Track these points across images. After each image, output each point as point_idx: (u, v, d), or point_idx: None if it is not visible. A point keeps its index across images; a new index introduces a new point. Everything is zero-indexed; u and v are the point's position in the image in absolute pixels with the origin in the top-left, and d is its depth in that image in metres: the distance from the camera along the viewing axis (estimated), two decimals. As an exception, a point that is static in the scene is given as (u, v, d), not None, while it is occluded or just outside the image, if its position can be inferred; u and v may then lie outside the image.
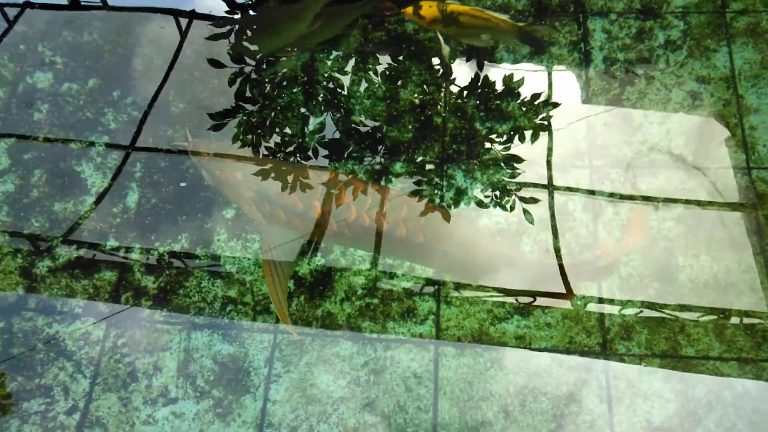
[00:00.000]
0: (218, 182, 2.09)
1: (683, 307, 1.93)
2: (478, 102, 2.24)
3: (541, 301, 1.96)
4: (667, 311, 1.93)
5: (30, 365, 1.90)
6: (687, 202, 2.06)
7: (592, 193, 2.09)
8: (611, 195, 2.09)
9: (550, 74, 2.28)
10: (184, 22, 2.42)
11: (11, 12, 2.41)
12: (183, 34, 2.41)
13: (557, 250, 2.01)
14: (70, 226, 2.05)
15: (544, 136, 2.18)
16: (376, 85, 2.28)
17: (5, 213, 2.03)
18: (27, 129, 2.14)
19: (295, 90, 2.28)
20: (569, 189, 2.10)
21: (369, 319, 1.97)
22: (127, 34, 2.35)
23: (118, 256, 2.03)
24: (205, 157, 2.11)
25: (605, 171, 2.12)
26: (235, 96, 2.27)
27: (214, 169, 2.09)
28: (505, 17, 2.27)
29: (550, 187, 2.10)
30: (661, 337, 1.90)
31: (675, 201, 2.07)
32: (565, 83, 2.27)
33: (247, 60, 2.33)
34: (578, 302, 1.95)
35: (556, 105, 2.22)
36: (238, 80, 2.30)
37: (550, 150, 2.16)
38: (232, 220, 2.10)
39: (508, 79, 2.26)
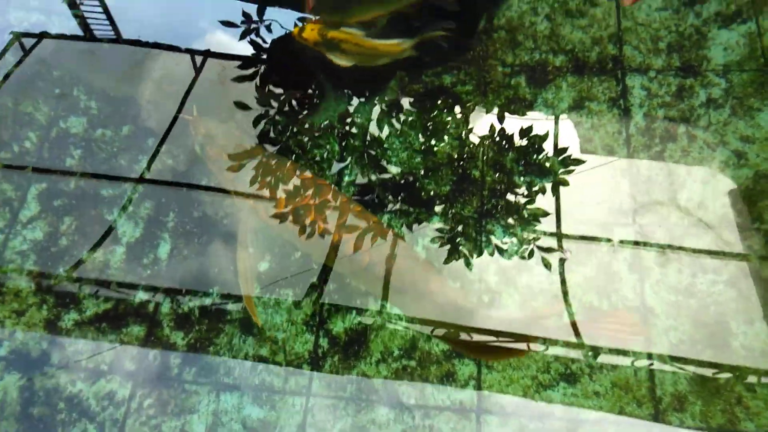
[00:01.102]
0: (207, 157, 2.14)
1: (738, 377, 1.84)
2: (516, 156, 2.21)
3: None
4: (721, 381, 1.85)
5: (51, 427, 1.81)
6: (738, 257, 2.00)
7: (637, 247, 2.03)
8: (660, 248, 2.03)
9: (589, 129, 2.25)
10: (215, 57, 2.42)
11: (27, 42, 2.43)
12: (197, 71, 2.41)
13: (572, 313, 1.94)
14: (99, 277, 1.99)
15: (584, 192, 2.14)
16: (413, 137, 2.25)
17: (32, 262, 1.97)
18: (58, 175, 2.10)
19: (330, 139, 2.25)
20: (610, 242, 2.04)
21: (406, 383, 1.88)
22: (165, 79, 2.33)
23: (148, 310, 1.97)
24: (202, 132, 2.14)
25: (650, 229, 2.06)
26: (259, 138, 2.24)
27: (207, 144, 2.13)
28: (393, 42, 2.21)
29: (561, 243, 2.05)
30: (717, 410, 1.80)
31: (723, 257, 2.01)
32: (604, 139, 2.23)
33: (273, 103, 2.32)
34: (628, 369, 1.86)
35: (595, 160, 2.19)
36: (265, 124, 2.28)
37: (591, 206, 2.11)
38: (265, 275, 2.04)
39: (546, 134, 2.24)
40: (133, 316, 1.94)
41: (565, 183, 2.12)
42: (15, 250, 1.97)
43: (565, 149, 2.23)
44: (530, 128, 2.22)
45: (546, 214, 2.07)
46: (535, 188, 2.13)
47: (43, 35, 2.38)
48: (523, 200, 2.12)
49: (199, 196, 2.13)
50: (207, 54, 2.40)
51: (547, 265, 2.00)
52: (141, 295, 1.97)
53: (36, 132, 2.14)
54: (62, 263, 1.98)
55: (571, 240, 2.05)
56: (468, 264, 1.99)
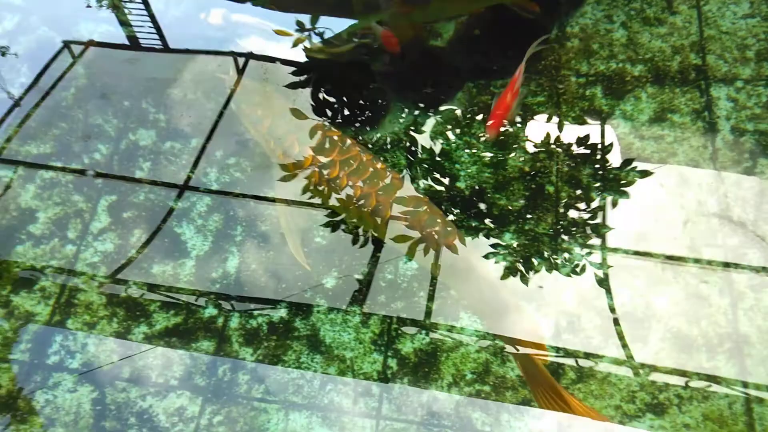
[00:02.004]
0: (241, 113, 2.25)
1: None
2: (593, 171, 2.11)
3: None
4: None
5: (123, 441, 1.80)
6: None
7: (727, 269, 1.91)
8: (754, 270, 1.90)
9: (672, 142, 2.14)
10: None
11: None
12: (240, 72, 2.39)
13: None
14: (168, 290, 1.98)
15: (668, 210, 2.03)
16: (482, 150, 2.19)
17: (103, 274, 1.98)
18: (128, 187, 2.11)
19: (397, 153, 2.20)
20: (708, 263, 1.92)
21: (480, 409, 1.81)
22: (237, 96, 2.33)
23: (217, 325, 1.95)
24: (237, 90, 2.25)
25: (741, 251, 1.94)
26: (316, 152, 2.21)
27: (242, 102, 2.24)
28: None
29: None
30: (821, 449, 1.67)
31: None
32: (689, 153, 2.12)
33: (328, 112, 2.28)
34: (722, 401, 1.74)
35: (676, 175, 2.07)
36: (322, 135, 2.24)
37: (675, 226, 2.00)
38: (333, 290, 2.00)
39: (611, 145, 2.14)
40: (202, 330, 1.93)
41: (627, 195, 2.02)
42: (86, 262, 1.98)
43: (630, 161, 2.13)
44: (608, 143, 2.13)
45: (626, 233, 1.98)
46: (612, 206, 2.04)
47: (90, 43, 2.41)
48: (597, 218, 2.03)
49: (266, 209, 2.11)
50: (249, 56, 2.39)
51: (628, 288, 1.90)
52: (210, 310, 1.95)
53: (106, 144, 2.16)
54: (132, 276, 1.99)
55: (655, 260, 1.94)
56: (531, 282, 1.91)
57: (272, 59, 2.42)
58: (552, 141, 2.17)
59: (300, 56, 2.43)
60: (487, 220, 2.06)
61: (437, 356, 1.90)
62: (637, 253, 1.97)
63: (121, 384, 1.86)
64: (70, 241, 2.00)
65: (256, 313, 1.97)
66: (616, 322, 1.89)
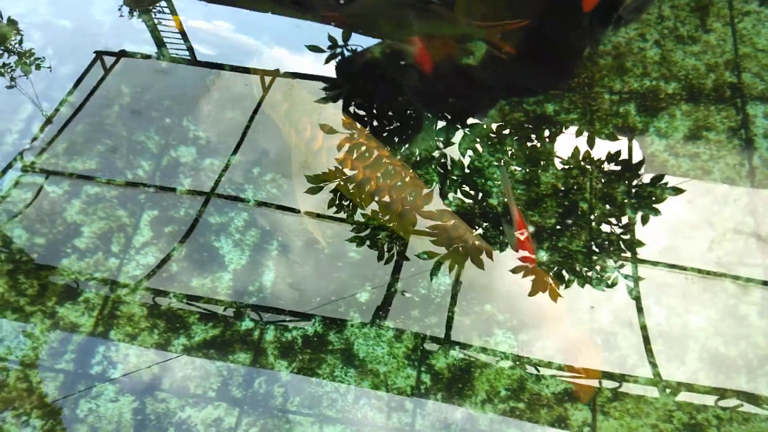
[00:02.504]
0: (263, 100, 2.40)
1: None
2: (627, 188, 2.11)
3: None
4: None
5: (163, 451, 1.84)
6: None
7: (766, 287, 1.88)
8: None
9: (708, 160, 2.13)
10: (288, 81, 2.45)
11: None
12: (265, 90, 2.45)
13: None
14: (206, 303, 2.03)
15: (704, 230, 2.01)
16: (514, 167, 2.20)
17: (144, 287, 2.04)
18: (170, 203, 2.17)
19: (430, 169, 2.23)
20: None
21: (515, 427, 1.80)
22: (268, 111, 2.39)
23: (253, 337, 1.99)
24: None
25: (780, 271, 1.91)
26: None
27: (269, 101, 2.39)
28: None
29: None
30: None
31: None
32: (725, 171, 2.11)
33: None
34: (763, 424, 1.71)
35: (713, 192, 2.06)
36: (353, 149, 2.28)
37: (712, 243, 1.98)
38: (367, 304, 2.02)
39: (660, 165, 2.13)
40: (239, 342, 1.97)
41: (657, 212, 2.01)
42: (128, 275, 2.04)
43: (661, 177, 2.13)
44: (641, 160, 2.13)
45: (661, 250, 1.97)
46: (642, 222, 2.03)
47: (121, 54, 2.50)
48: (629, 235, 2.03)
49: (301, 224, 2.15)
50: (275, 74, 2.45)
51: (664, 306, 1.89)
52: (247, 323, 1.99)
53: (148, 161, 2.23)
54: (172, 288, 2.04)
55: (691, 277, 1.92)
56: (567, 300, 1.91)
57: (300, 75, 2.50)
58: (585, 157, 2.18)
59: (328, 71, 2.49)
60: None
61: (471, 372, 1.91)
62: (672, 267, 1.96)
63: (161, 394, 1.91)
64: (114, 255, 2.06)
65: (291, 326, 2.01)
66: (651, 340, 1.88)
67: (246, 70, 2.50)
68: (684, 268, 1.99)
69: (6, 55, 2.52)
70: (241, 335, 1.99)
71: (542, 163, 2.16)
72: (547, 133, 2.23)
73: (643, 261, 2.00)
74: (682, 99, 2.22)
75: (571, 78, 2.27)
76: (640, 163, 2.13)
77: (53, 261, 2.06)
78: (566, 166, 2.15)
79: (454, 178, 2.19)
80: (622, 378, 1.84)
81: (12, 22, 2.67)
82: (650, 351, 1.86)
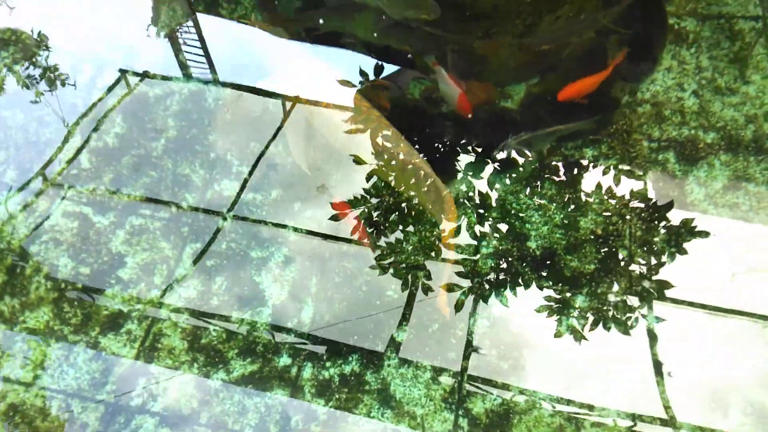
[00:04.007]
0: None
1: None
2: (667, 236, 2.12)
3: None
4: None
5: (200, 487, 1.84)
6: None
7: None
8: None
9: (748, 211, 2.13)
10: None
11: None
12: (286, 114, 2.49)
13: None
14: (246, 338, 2.04)
15: (754, 283, 2.01)
16: (553, 211, 2.22)
17: (184, 320, 2.06)
18: (212, 235, 2.21)
19: (467, 210, 2.25)
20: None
21: (555, 475, 1.79)
22: (312, 147, 2.43)
23: (290, 374, 1.99)
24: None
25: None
26: (377, 195, 2.27)
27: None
28: None
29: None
30: None
31: None
32: (766, 222, 2.10)
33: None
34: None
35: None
36: (380, 182, 2.31)
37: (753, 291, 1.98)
38: (405, 344, 2.02)
39: (701, 214, 2.13)
40: (277, 378, 1.97)
41: (684, 252, 2.01)
42: (170, 307, 2.06)
43: (690, 221, 2.13)
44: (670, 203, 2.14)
45: (697, 295, 1.97)
46: (669, 260, 2.03)
47: (146, 74, 2.56)
48: (661, 277, 2.03)
49: (340, 261, 2.17)
50: (296, 100, 2.50)
51: (705, 355, 1.87)
52: (285, 359, 2.00)
53: (192, 194, 2.27)
54: (213, 322, 2.06)
55: (743, 320, 1.92)
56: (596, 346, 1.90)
57: (321, 103, 2.54)
58: (623, 203, 2.19)
59: (347, 99, 2.55)
60: (559, 282, 2.08)
61: (510, 418, 1.89)
62: (714, 310, 1.96)
63: (200, 428, 1.91)
64: (156, 286, 2.09)
65: (328, 363, 2.01)
66: (691, 390, 1.86)
67: (268, 94, 2.57)
68: (723, 312, 1.98)
69: (34, 69, 2.61)
70: (279, 371, 2.00)
71: (580, 207, 2.18)
72: (585, 178, 2.26)
73: (682, 302, 2.00)
74: (721, 149, 2.24)
75: (610, 124, 2.30)
76: (670, 204, 2.15)
77: (97, 291, 2.09)
78: (604, 212, 2.17)
79: (491, 220, 2.21)
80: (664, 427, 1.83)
81: (42, 38, 2.76)
82: (691, 401, 1.85)
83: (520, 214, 2.19)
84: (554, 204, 2.20)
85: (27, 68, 2.60)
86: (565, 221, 2.17)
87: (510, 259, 2.11)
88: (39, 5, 2.84)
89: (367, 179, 2.31)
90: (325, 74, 2.64)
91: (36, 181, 2.27)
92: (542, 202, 2.21)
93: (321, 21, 2.70)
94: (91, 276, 2.10)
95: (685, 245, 2.09)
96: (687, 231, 2.13)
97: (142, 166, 2.31)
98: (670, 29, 2.46)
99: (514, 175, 2.27)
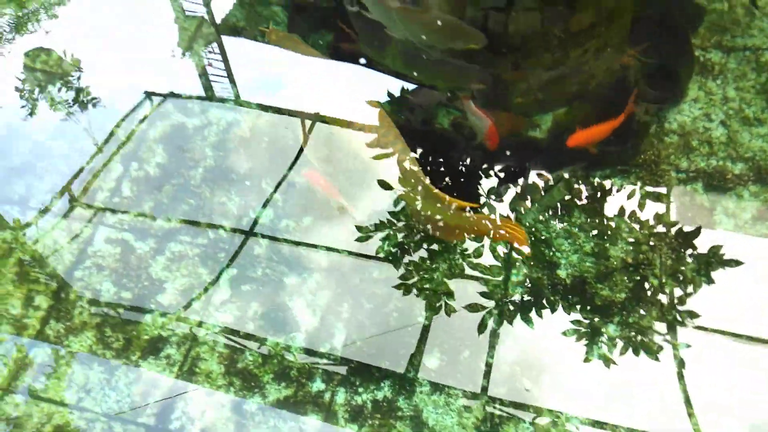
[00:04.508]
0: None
1: None
2: (698, 266, 2.13)
3: None
4: None
5: None
6: None
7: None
8: None
9: (777, 242, 2.15)
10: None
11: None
12: (306, 137, 2.56)
13: None
14: (280, 362, 2.09)
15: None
16: (583, 240, 2.25)
17: (222, 344, 2.11)
18: (248, 261, 2.27)
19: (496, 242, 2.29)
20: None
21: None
22: (332, 167, 2.50)
23: (324, 399, 2.02)
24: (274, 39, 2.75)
25: None
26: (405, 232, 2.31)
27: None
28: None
29: None
30: None
31: None
32: (795, 253, 2.12)
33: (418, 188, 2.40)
34: None
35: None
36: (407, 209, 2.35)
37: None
38: (436, 371, 2.05)
39: (730, 245, 2.14)
40: (311, 404, 2.00)
41: (711, 281, 2.02)
42: (207, 332, 2.11)
43: (719, 248, 2.14)
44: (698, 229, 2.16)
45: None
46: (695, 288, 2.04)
47: (170, 94, 2.66)
48: (690, 306, 2.04)
49: (372, 287, 2.21)
50: (316, 118, 2.57)
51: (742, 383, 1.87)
52: (318, 384, 2.03)
53: (228, 221, 2.34)
54: (249, 347, 2.10)
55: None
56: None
57: (344, 122, 2.62)
58: (652, 232, 2.22)
59: (369, 118, 2.62)
60: (590, 311, 2.10)
61: (542, 447, 1.90)
62: (741, 337, 1.96)
63: (234, 453, 1.95)
64: (194, 311, 2.15)
65: (361, 389, 2.04)
66: (730, 418, 1.86)
67: (289, 113, 2.65)
68: (754, 340, 1.99)
69: (75, 101, 2.72)
70: (312, 396, 2.03)
71: (610, 236, 2.21)
72: (614, 206, 2.29)
73: (713, 330, 2.00)
74: (749, 180, 2.26)
75: (638, 154, 2.34)
76: (698, 230, 2.17)
77: (138, 315, 2.15)
78: (634, 241, 2.19)
79: (522, 249, 2.25)
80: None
81: (75, 61, 2.88)
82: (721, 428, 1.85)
83: (550, 242, 2.22)
84: (584, 232, 2.24)
85: (67, 98, 2.72)
86: (595, 249, 2.20)
87: (540, 287, 2.15)
88: (69, 29, 2.97)
89: (395, 204, 2.37)
90: (347, 93, 2.73)
91: (79, 209, 2.37)
92: (572, 230, 2.25)
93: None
94: (133, 301, 2.17)
95: (714, 274, 2.12)
96: (717, 260, 2.15)
97: (180, 194, 2.39)
98: (696, 61, 2.52)
99: (543, 203, 2.32)
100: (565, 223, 2.26)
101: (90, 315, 2.13)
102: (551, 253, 2.22)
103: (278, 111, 2.64)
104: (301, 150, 2.51)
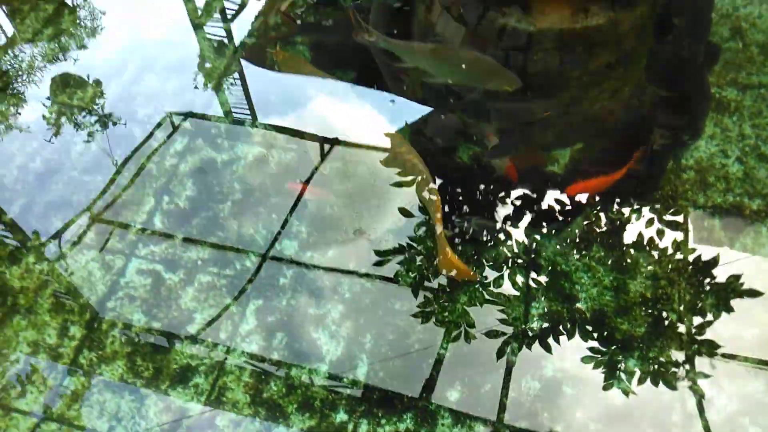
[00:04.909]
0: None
1: None
2: (716, 301, 2.16)
3: None
4: None
5: None
6: None
7: None
8: None
9: (796, 277, 2.17)
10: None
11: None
12: (323, 158, 2.64)
13: None
14: (304, 393, 2.13)
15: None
16: (602, 273, 2.28)
17: (248, 374, 2.16)
18: (273, 293, 2.33)
19: (517, 271, 2.33)
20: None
21: None
22: (349, 190, 2.57)
23: (347, 430, 2.06)
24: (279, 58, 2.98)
25: None
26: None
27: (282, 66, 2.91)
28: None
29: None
30: None
31: None
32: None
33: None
34: None
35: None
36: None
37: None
38: (456, 404, 2.08)
39: (749, 282, 2.17)
40: (334, 436, 2.05)
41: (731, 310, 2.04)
42: (234, 362, 2.17)
43: (737, 279, 2.17)
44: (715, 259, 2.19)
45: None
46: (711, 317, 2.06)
47: (189, 114, 2.80)
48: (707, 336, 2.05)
49: (393, 319, 2.25)
50: (335, 142, 2.67)
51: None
52: (341, 415, 2.07)
53: (255, 252, 2.41)
54: (273, 377, 2.15)
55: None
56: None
57: (358, 145, 2.71)
58: (671, 267, 2.25)
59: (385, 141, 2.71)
60: (609, 344, 2.13)
61: (564, 481, 1.92)
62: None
63: (259, 483, 1.98)
64: (221, 341, 2.21)
65: (383, 420, 2.08)
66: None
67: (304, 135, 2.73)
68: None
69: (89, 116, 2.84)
70: (336, 427, 2.07)
71: (630, 271, 2.24)
72: (631, 240, 2.33)
73: (731, 357, 2.01)
74: (766, 216, 2.29)
75: (656, 189, 2.38)
76: (716, 259, 2.20)
77: (167, 345, 2.22)
78: (653, 275, 2.22)
79: (542, 282, 2.28)
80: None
81: (98, 83, 3.00)
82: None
83: (570, 275, 2.26)
84: (603, 266, 2.28)
85: (98, 130, 2.83)
86: (615, 284, 2.23)
87: (560, 320, 2.18)
88: (96, 59, 3.11)
89: (415, 230, 2.43)
90: (364, 116, 2.82)
91: (113, 240, 2.46)
92: (592, 263, 2.29)
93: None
94: (162, 330, 2.24)
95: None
96: (735, 291, 2.18)
97: (209, 226, 2.48)
98: (712, 98, 2.57)
99: (562, 236, 2.36)
100: (585, 257, 2.30)
101: (121, 344, 2.21)
102: (571, 287, 2.26)
103: (300, 135, 2.75)
104: (314, 170, 2.61)
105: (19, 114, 2.98)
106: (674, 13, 2.63)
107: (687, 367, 2.07)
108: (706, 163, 2.44)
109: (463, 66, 2.49)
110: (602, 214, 2.40)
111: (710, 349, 2.08)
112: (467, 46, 2.53)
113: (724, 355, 2.07)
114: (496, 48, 2.45)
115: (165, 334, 2.25)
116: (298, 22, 3.26)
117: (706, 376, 2.02)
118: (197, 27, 3.29)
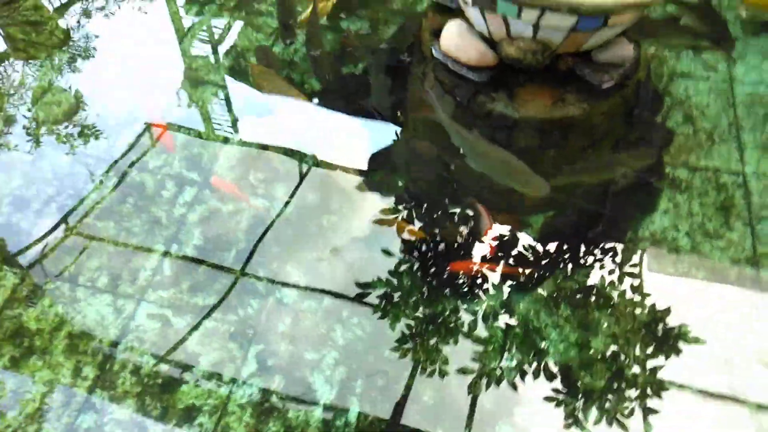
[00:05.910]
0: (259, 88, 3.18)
1: None
2: (666, 348, 2.46)
3: None
4: None
5: None
6: None
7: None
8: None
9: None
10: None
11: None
12: (302, 176, 2.85)
13: None
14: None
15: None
16: (568, 331, 2.56)
17: (249, 414, 2.33)
18: (272, 338, 2.51)
19: (492, 326, 2.58)
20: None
21: None
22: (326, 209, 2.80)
23: (340, 471, 2.25)
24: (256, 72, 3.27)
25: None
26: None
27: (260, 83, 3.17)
28: None
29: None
30: None
31: None
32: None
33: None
34: None
35: None
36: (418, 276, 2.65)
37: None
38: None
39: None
40: (328, 475, 2.23)
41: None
42: (236, 403, 2.34)
43: (684, 328, 2.48)
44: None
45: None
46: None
47: (167, 126, 3.08)
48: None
49: (383, 365, 2.47)
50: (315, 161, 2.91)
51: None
52: (334, 454, 2.26)
53: (257, 300, 2.60)
54: (272, 419, 2.33)
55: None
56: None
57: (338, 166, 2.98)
58: (628, 328, 2.55)
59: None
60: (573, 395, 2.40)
61: None
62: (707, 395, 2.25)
63: None
64: (225, 383, 2.38)
65: (376, 464, 2.28)
66: None
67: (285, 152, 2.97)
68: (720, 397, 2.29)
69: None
70: (329, 466, 2.26)
71: (592, 330, 2.53)
72: (594, 302, 2.63)
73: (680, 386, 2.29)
74: (709, 285, 2.63)
75: (617, 256, 2.70)
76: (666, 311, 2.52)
77: (174, 386, 2.38)
78: (611, 334, 2.52)
79: (516, 333, 2.55)
80: None
81: (78, 96, 3.18)
82: None
83: (541, 332, 2.53)
84: (569, 324, 2.56)
85: (110, 182, 2.99)
86: (579, 341, 2.51)
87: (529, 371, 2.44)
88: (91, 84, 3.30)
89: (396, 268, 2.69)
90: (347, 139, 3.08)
91: (124, 285, 2.62)
92: (559, 321, 2.57)
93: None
94: (170, 373, 2.40)
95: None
96: (682, 337, 2.49)
97: (215, 274, 2.66)
98: (666, 176, 2.92)
99: (535, 297, 2.64)
100: (553, 315, 2.58)
101: (131, 384, 2.35)
102: (539, 340, 2.52)
103: (279, 149, 3.05)
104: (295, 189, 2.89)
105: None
106: (640, 103, 3.00)
107: (638, 403, 2.36)
108: (659, 235, 2.77)
109: (497, 164, 2.76)
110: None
111: (660, 388, 2.38)
112: (457, 120, 2.83)
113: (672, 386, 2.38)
114: (484, 124, 2.75)
115: (172, 375, 2.40)
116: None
117: (655, 411, 2.31)
118: (184, 44, 3.56)
